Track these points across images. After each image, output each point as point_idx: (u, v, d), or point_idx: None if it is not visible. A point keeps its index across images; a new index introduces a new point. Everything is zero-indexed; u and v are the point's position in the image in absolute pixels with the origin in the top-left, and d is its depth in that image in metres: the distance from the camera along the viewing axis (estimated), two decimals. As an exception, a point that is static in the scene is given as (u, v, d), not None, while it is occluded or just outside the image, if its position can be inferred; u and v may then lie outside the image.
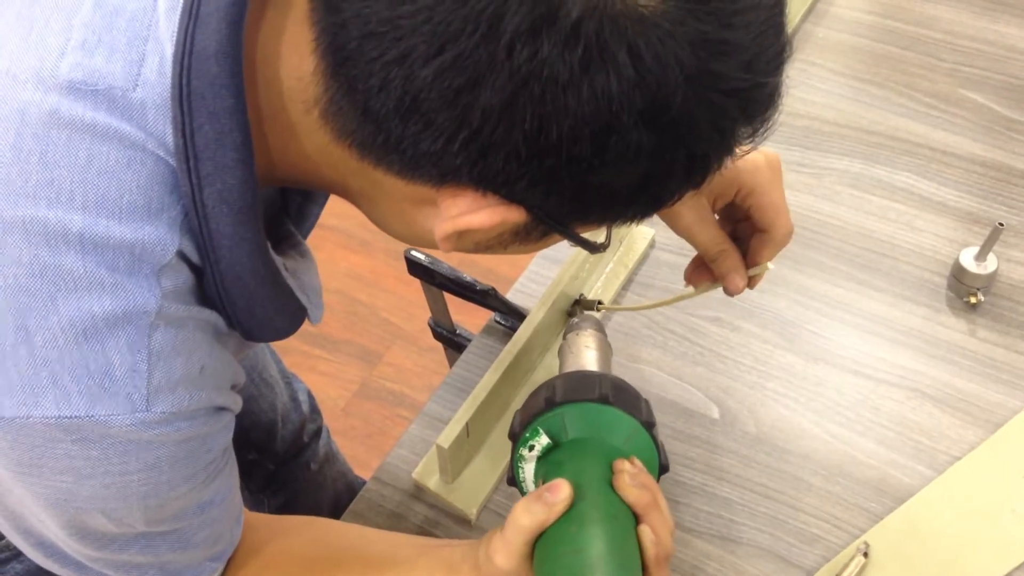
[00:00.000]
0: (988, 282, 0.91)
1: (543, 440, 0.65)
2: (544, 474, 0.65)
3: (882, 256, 0.97)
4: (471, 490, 0.82)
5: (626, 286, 0.96)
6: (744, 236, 0.71)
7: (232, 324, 0.52)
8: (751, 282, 0.71)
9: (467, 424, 0.79)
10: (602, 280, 0.95)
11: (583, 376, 0.69)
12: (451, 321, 1.06)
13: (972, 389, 0.87)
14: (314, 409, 1.20)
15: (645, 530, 0.60)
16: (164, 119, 0.46)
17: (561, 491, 0.58)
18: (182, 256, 0.48)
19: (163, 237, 0.47)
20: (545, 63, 0.41)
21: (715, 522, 0.80)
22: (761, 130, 0.48)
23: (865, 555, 0.76)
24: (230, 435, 0.57)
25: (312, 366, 1.86)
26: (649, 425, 0.66)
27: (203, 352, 0.50)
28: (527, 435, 0.66)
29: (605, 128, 0.43)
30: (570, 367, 0.77)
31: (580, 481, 0.60)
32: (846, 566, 0.76)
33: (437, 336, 1.09)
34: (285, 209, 0.64)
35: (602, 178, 0.45)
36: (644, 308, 0.93)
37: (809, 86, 1.14)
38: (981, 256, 0.91)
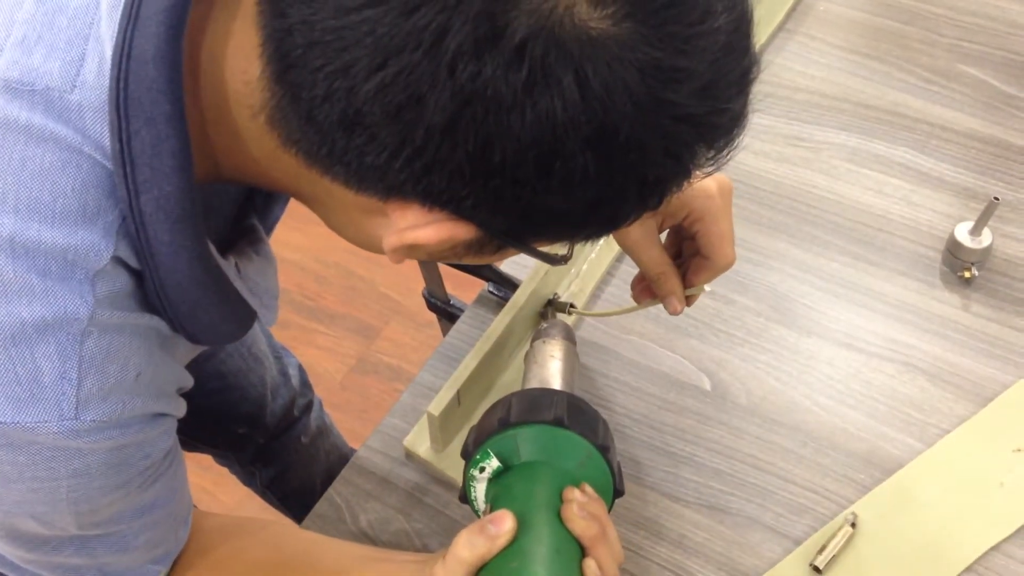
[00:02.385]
0: (983, 257, 0.91)
1: (493, 463, 0.64)
2: (494, 497, 0.64)
3: (878, 231, 0.97)
4: (461, 458, 0.82)
5: (615, 265, 0.96)
6: (688, 255, 0.72)
7: (176, 328, 0.51)
8: (688, 301, 0.72)
9: (458, 392, 0.79)
10: (595, 253, 0.95)
11: (540, 395, 0.68)
12: (445, 292, 1.06)
13: (964, 363, 0.87)
14: (305, 383, 1.20)
15: (590, 564, 0.59)
16: (102, 122, 0.45)
17: (504, 523, 0.57)
18: (119, 261, 0.47)
19: (97, 242, 0.45)
20: (488, 83, 0.39)
21: (704, 492, 0.81)
22: (724, 153, 0.46)
23: (853, 525, 0.77)
24: (170, 440, 0.56)
25: (310, 340, 1.87)
26: (604, 449, 0.65)
27: (140, 358, 0.49)
28: (478, 457, 0.64)
29: (549, 152, 0.41)
30: (533, 377, 0.76)
31: (527, 510, 0.59)
32: (834, 536, 0.76)
33: (431, 307, 1.09)
34: (251, 201, 0.63)
35: (549, 200, 0.44)
36: (612, 314, 0.91)
37: (809, 60, 1.13)
38: (976, 231, 0.91)
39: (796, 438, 0.83)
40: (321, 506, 0.82)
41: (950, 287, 0.92)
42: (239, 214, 0.62)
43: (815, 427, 0.84)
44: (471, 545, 0.57)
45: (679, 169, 0.45)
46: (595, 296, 0.93)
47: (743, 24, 0.44)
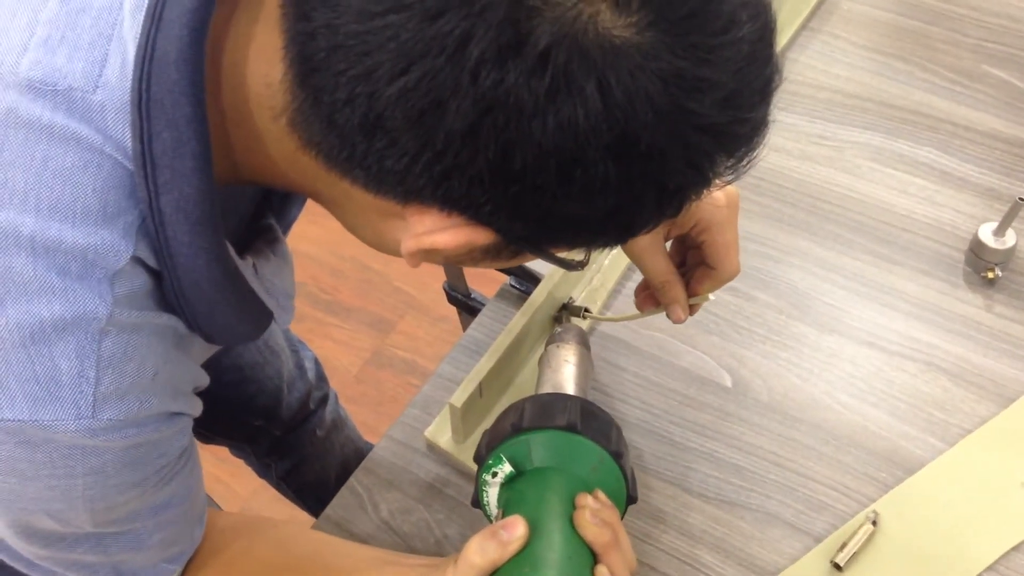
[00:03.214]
0: (1006, 257, 0.91)
1: (506, 468, 0.64)
2: (506, 502, 0.64)
3: (901, 230, 0.97)
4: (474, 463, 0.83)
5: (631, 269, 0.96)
6: (692, 264, 0.72)
7: (193, 328, 0.51)
8: (691, 310, 0.72)
9: (480, 384, 0.80)
10: (609, 259, 0.95)
11: (553, 400, 0.68)
12: (466, 285, 1.06)
13: (987, 364, 0.87)
14: (320, 377, 1.21)
15: (602, 571, 0.59)
16: (123, 123, 0.45)
17: (516, 529, 0.57)
18: (138, 261, 0.47)
19: (117, 243, 0.46)
20: (511, 90, 0.39)
21: (724, 488, 0.81)
22: (744, 163, 0.46)
23: (874, 524, 0.76)
24: (186, 439, 0.56)
25: (326, 333, 1.87)
26: (617, 455, 0.65)
27: (157, 358, 0.49)
28: (490, 462, 0.64)
29: (570, 159, 0.41)
30: (546, 382, 0.76)
31: (539, 516, 0.59)
32: (854, 534, 0.76)
33: (452, 300, 1.09)
34: (268, 200, 0.63)
35: (568, 208, 0.44)
36: (623, 319, 0.91)
37: (832, 59, 1.13)
38: (1000, 231, 0.90)
39: (817, 435, 0.83)
40: (342, 495, 0.82)
41: (973, 287, 0.92)
42: (256, 213, 0.63)
43: (836, 425, 0.84)
44: (483, 551, 0.57)
45: (699, 178, 0.45)
46: (610, 300, 0.93)
47: (766, 33, 0.44)
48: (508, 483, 0.64)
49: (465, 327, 0.96)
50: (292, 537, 0.71)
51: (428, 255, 0.49)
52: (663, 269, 0.70)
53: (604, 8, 0.39)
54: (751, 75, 0.43)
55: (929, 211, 0.98)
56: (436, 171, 0.43)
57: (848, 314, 0.91)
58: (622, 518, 0.65)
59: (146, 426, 0.50)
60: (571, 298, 0.90)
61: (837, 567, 0.75)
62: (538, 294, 0.84)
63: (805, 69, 1.12)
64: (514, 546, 0.57)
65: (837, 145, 1.04)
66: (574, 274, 0.89)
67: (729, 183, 0.49)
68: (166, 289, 0.49)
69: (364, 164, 0.44)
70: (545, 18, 0.39)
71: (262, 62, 0.46)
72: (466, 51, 0.39)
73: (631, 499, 0.66)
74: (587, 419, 0.65)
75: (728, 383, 0.87)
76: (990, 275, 0.91)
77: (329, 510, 0.81)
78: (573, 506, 0.61)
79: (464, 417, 0.80)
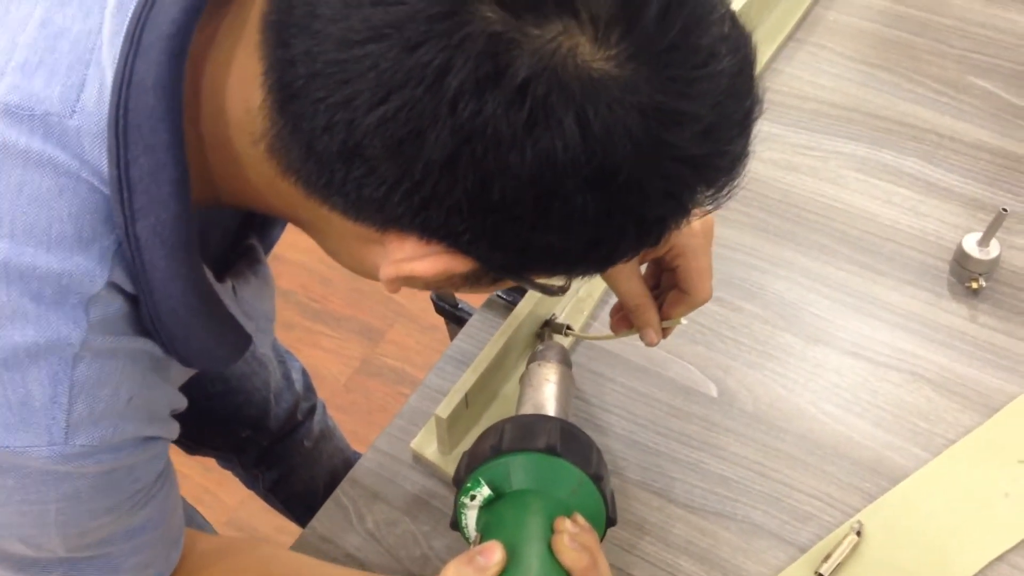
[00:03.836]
0: (990, 268, 0.91)
1: (484, 491, 0.64)
2: (484, 525, 0.64)
3: (885, 240, 0.97)
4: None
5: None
6: (666, 286, 0.72)
7: (170, 352, 0.51)
8: (663, 333, 0.72)
9: (466, 395, 0.80)
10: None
11: (533, 422, 0.68)
12: (454, 295, 1.06)
13: (971, 374, 0.87)
14: (308, 387, 1.20)
15: None
16: (100, 148, 0.45)
17: (494, 555, 0.57)
18: (114, 286, 0.47)
19: (92, 268, 0.46)
20: (489, 122, 0.39)
21: (710, 498, 0.81)
22: (724, 193, 0.46)
23: (858, 534, 0.77)
24: (162, 463, 0.56)
25: (315, 341, 1.87)
26: (597, 478, 0.65)
27: (133, 383, 0.49)
28: (468, 484, 0.64)
29: (549, 191, 0.41)
30: (527, 401, 0.76)
31: (517, 540, 0.59)
32: (839, 544, 0.76)
33: (439, 310, 1.09)
34: (250, 221, 0.63)
35: (547, 238, 0.44)
36: (604, 339, 0.90)
37: (818, 69, 1.13)
38: (984, 242, 0.91)
39: (802, 446, 0.84)
40: (328, 507, 0.82)
41: (957, 298, 0.92)
42: (239, 234, 0.62)
43: (821, 435, 0.84)
44: None
45: (678, 208, 0.45)
46: (597, 311, 0.93)
47: (746, 66, 0.44)
48: (487, 506, 0.64)
49: (453, 337, 0.96)
50: (271, 559, 0.70)
51: (407, 281, 0.49)
52: (637, 292, 0.70)
53: (584, 41, 0.40)
54: (730, 108, 0.43)
55: (914, 221, 0.99)
56: (415, 200, 0.43)
57: (833, 324, 0.91)
58: (601, 541, 0.65)
59: (120, 451, 0.50)
60: (553, 315, 0.90)
61: (822, 578, 0.75)
62: (521, 308, 0.85)
63: (791, 80, 1.12)
64: (491, 572, 0.57)
65: (822, 155, 1.05)
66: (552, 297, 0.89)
67: (709, 212, 0.49)
68: (143, 314, 0.49)
69: (343, 191, 0.44)
70: (524, 50, 0.39)
71: (242, 87, 0.46)
72: (444, 82, 0.39)
73: (611, 522, 0.66)
74: (567, 441, 0.65)
75: (714, 393, 0.87)
76: (974, 285, 0.91)
77: (315, 522, 0.81)
78: (552, 530, 0.61)
79: (450, 428, 0.80)
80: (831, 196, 1.01)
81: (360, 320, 1.91)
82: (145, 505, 0.55)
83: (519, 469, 0.64)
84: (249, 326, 0.56)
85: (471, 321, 0.94)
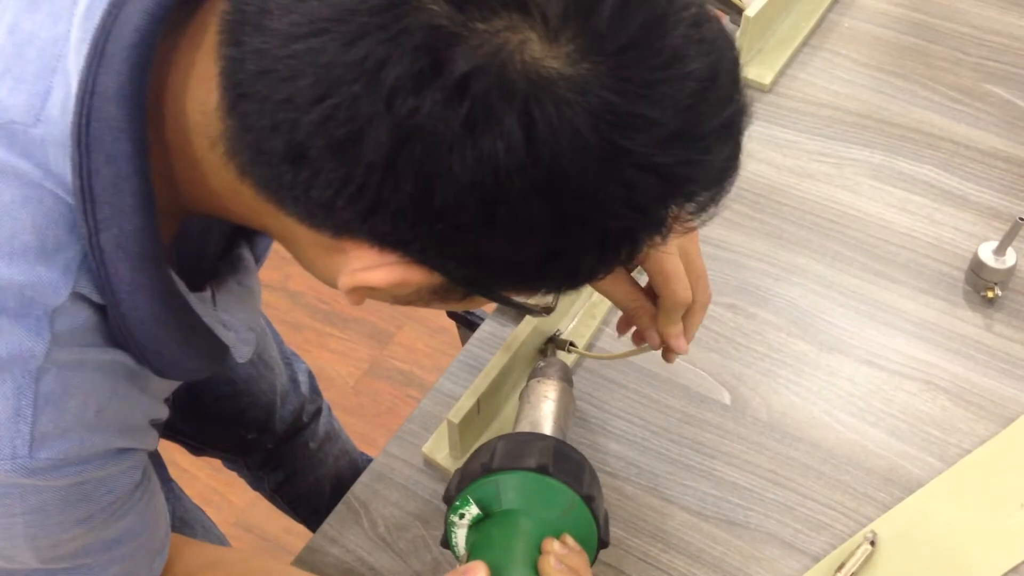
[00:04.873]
0: (1006, 277, 0.91)
1: (473, 510, 0.63)
2: (472, 545, 0.63)
3: (900, 248, 0.97)
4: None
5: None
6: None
7: (142, 363, 0.50)
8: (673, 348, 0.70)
9: (478, 400, 0.79)
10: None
11: (525, 440, 0.67)
12: (465, 299, 1.06)
13: (986, 383, 0.87)
14: (314, 390, 1.20)
15: None
16: (64, 158, 0.44)
17: None
18: (80, 297, 0.46)
19: (56, 279, 0.45)
20: (427, 121, 0.38)
21: (723, 506, 0.80)
22: (710, 207, 0.44)
23: (872, 544, 0.76)
24: (138, 474, 0.54)
25: (323, 343, 1.87)
26: (589, 499, 0.64)
27: (103, 394, 0.48)
28: (458, 503, 0.64)
29: (492, 198, 0.39)
30: (524, 419, 0.75)
31: (503, 562, 0.59)
32: (852, 554, 0.76)
33: (451, 315, 1.09)
34: (241, 229, 0.61)
35: (497, 249, 0.42)
36: (610, 357, 0.89)
37: (833, 76, 1.13)
38: (1000, 250, 0.90)
39: (816, 454, 0.83)
40: (339, 511, 0.82)
41: (973, 306, 0.92)
42: (230, 241, 0.61)
43: (835, 444, 0.84)
44: None
45: (646, 222, 0.43)
46: (599, 333, 0.92)
47: (722, 72, 0.41)
48: (476, 525, 0.63)
49: (464, 341, 0.95)
50: (259, 572, 0.69)
51: (370, 292, 0.47)
52: (631, 294, 0.68)
53: (534, 37, 0.38)
54: (703, 115, 0.41)
55: (929, 229, 0.98)
56: (361, 205, 0.41)
57: (847, 332, 0.91)
58: (593, 563, 0.64)
59: (89, 464, 0.49)
60: (558, 330, 0.89)
61: (835, 588, 0.75)
62: (524, 325, 0.83)
63: (805, 86, 1.12)
64: None
65: (837, 162, 1.04)
66: (562, 303, 0.87)
67: (694, 229, 0.46)
68: (111, 325, 0.47)
69: (293, 195, 0.43)
70: (467, 45, 0.37)
71: (200, 89, 0.45)
72: (381, 77, 0.37)
73: (603, 544, 0.66)
74: (559, 461, 0.64)
75: (727, 401, 0.87)
76: (990, 294, 0.91)
77: (325, 526, 0.81)
78: (540, 551, 0.60)
79: (462, 433, 0.80)
80: (846, 203, 1.01)
81: (369, 322, 1.91)
82: (123, 516, 0.54)
83: (508, 489, 0.63)
84: (227, 337, 0.55)
85: (483, 326, 0.93)
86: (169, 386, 0.57)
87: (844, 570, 0.75)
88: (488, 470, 0.64)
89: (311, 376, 1.20)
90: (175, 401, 0.75)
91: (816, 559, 0.77)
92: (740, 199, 1.01)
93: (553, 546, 0.60)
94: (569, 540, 0.62)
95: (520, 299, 0.49)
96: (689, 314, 0.69)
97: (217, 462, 1.20)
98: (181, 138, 0.46)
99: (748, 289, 0.94)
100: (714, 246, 0.97)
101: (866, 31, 1.18)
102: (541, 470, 0.63)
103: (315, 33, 0.38)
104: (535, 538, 0.61)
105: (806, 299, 0.93)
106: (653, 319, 0.69)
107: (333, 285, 0.50)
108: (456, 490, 0.65)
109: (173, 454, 1.05)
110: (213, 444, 1.13)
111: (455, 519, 0.64)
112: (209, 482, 1.65)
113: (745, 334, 0.91)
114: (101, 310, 0.47)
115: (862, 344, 0.90)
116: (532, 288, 0.48)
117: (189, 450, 1.10)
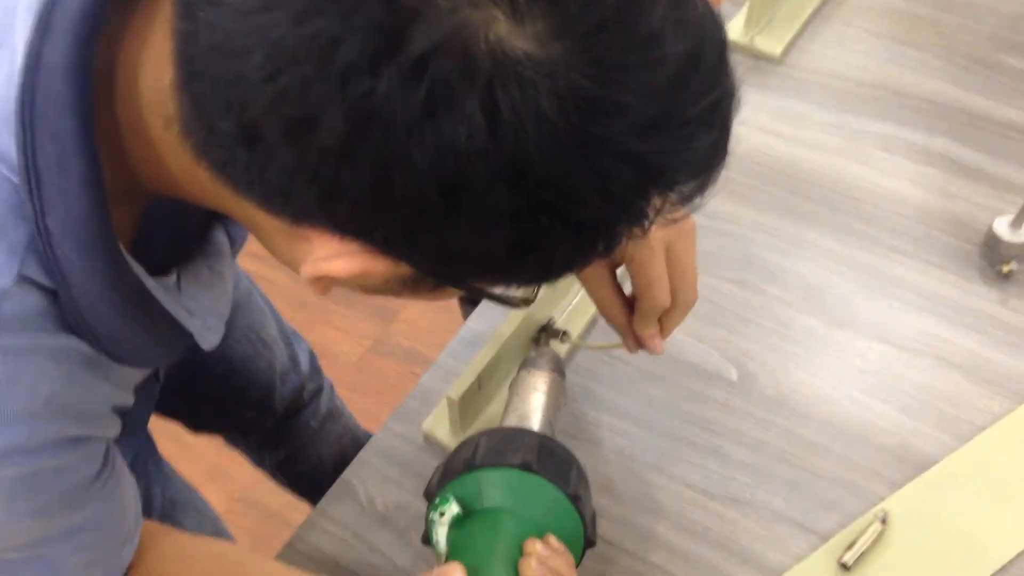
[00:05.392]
0: (1022, 251, 0.89)
1: (453, 509, 0.61)
2: (453, 543, 0.61)
3: (913, 222, 0.94)
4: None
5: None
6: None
7: (98, 349, 0.48)
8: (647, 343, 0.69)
9: (479, 377, 0.78)
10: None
11: (510, 436, 0.65)
12: (467, 274, 1.04)
13: (1001, 360, 0.85)
14: (315, 368, 1.18)
15: None
16: (9, 135, 0.42)
17: None
18: (27, 280, 0.43)
19: (0, 263, 0.42)
20: (383, 103, 0.35)
21: (730, 484, 0.79)
22: (697, 195, 0.42)
23: (883, 522, 0.75)
24: (98, 463, 0.52)
25: (327, 320, 1.86)
26: (575, 498, 0.62)
27: (54, 382, 0.45)
28: (438, 500, 0.62)
29: (454, 185, 0.37)
30: (512, 411, 0.73)
31: (483, 562, 0.57)
32: (862, 533, 0.74)
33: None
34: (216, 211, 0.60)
35: (462, 239, 0.40)
36: (605, 348, 0.87)
37: (844, 47, 1.10)
38: (1016, 224, 0.88)
39: (825, 432, 0.81)
40: (338, 488, 0.80)
41: (988, 281, 0.90)
42: (206, 223, 0.59)
43: (845, 421, 0.82)
44: None
45: (624, 212, 0.41)
46: (597, 319, 0.89)
47: (704, 56, 0.39)
48: (457, 523, 0.61)
49: (466, 317, 0.94)
50: (233, 566, 0.67)
51: (335, 282, 0.45)
52: (607, 301, 0.68)
53: (500, 15, 0.35)
54: (683, 101, 0.38)
55: (943, 203, 0.96)
56: (317, 192, 0.39)
57: (858, 307, 0.89)
58: (579, 564, 0.62)
59: (39, 454, 0.46)
60: (552, 319, 0.86)
61: (844, 567, 0.73)
62: (515, 315, 0.81)
63: (816, 57, 1.09)
64: None
65: (850, 135, 1.02)
66: (556, 290, 0.85)
67: (677, 220, 0.44)
68: (63, 310, 0.45)
69: (248, 179, 0.40)
70: (428, 23, 0.35)
71: (154, 66, 0.42)
72: (335, 56, 0.35)
73: (590, 543, 0.64)
74: (544, 457, 0.62)
75: (734, 377, 0.85)
76: (1005, 269, 0.88)
77: (324, 503, 0.79)
78: (522, 552, 0.58)
79: (462, 410, 0.78)
80: (857, 176, 0.98)
81: (372, 299, 1.89)
82: (82, 507, 0.51)
83: (491, 486, 0.61)
84: (192, 324, 0.52)
85: (484, 301, 0.92)
86: (138, 372, 0.55)
87: (854, 549, 0.73)
88: (470, 466, 0.62)
89: (312, 355, 1.18)
90: (167, 381, 0.74)
91: (825, 538, 0.76)
92: (749, 172, 0.98)
93: (535, 547, 0.58)
94: (553, 541, 0.60)
95: (496, 291, 0.47)
96: (668, 315, 0.68)
97: (220, 439, 1.19)
98: (135, 117, 0.44)
99: (756, 264, 0.92)
100: (722, 220, 0.95)
101: (878, 1, 1.15)
102: (525, 467, 0.61)
103: (267, 7, 0.36)
104: (517, 538, 0.59)
105: (816, 274, 0.91)
106: (624, 325, 0.68)
107: (297, 271, 0.48)
108: (437, 486, 0.63)
109: (177, 430, 1.04)
110: (211, 423, 1.11)
111: (435, 516, 0.62)
112: (213, 459, 1.63)
113: (753, 309, 0.89)
114: (53, 295, 0.45)
115: (873, 319, 0.88)
116: (504, 280, 0.45)
117: (187, 429, 1.09)
